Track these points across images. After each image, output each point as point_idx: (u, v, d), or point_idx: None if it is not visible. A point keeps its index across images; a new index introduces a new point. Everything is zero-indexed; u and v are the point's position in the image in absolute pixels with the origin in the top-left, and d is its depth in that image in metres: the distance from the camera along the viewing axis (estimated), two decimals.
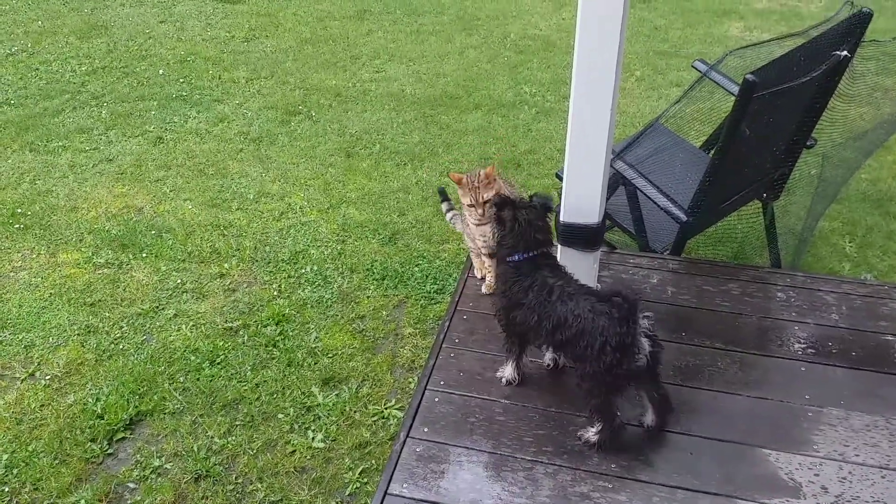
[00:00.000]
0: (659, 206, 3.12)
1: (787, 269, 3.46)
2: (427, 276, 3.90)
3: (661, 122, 3.90)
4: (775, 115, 3.04)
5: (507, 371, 2.53)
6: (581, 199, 2.64)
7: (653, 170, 3.28)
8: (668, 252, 3.24)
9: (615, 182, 3.28)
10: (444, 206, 3.22)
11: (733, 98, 2.78)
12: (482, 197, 2.73)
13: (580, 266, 2.60)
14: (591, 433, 2.26)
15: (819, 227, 4.06)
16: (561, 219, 2.70)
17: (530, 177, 4.79)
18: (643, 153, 3.48)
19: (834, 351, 2.64)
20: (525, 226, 2.36)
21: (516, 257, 2.36)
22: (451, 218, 3.16)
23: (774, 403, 2.43)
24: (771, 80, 2.72)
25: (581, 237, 2.66)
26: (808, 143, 3.36)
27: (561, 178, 2.75)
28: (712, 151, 3.52)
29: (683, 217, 3.05)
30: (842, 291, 2.93)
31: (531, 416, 2.40)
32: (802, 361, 2.59)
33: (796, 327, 2.75)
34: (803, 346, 2.66)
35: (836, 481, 2.17)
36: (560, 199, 2.71)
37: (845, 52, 2.97)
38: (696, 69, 3.77)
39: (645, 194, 3.16)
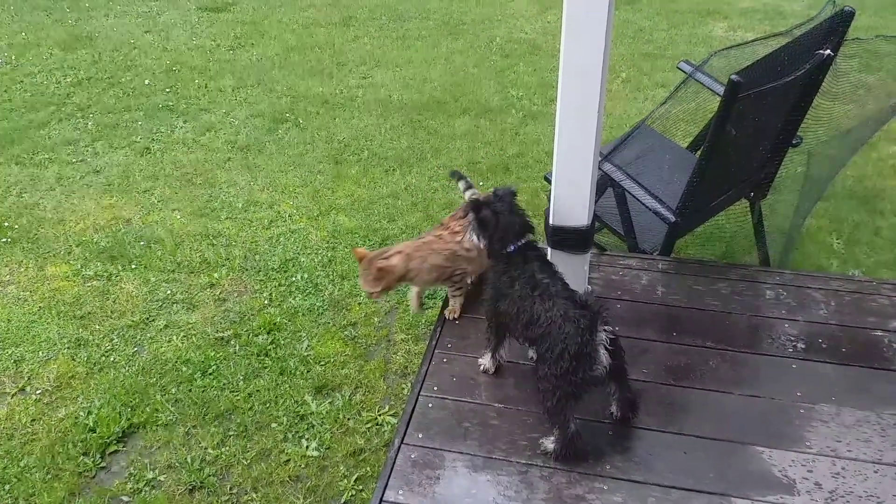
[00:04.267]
0: (647, 206, 3.13)
1: (775, 268, 3.48)
2: None
3: (647, 124, 3.92)
4: (761, 115, 3.06)
5: (486, 360, 2.58)
6: (570, 202, 2.65)
7: (640, 171, 3.30)
8: (657, 252, 3.25)
9: (603, 184, 3.29)
10: (461, 185, 3.19)
11: (719, 98, 2.80)
12: (370, 286, 2.68)
13: (571, 268, 2.61)
14: (550, 442, 2.27)
15: (806, 225, 4.09)
16: (550, 222, 2.71)
17: (519, 180, 4.80)
18: (630, 155, 3.49)
19: (824, 347, 2.66)
20: (507, 215, 2.41)
21: (512, 247, 2.38)
22: (471, 196, 3.12)
23: (766, 401, 2.44)
24: (756, 80, 2.74)
25: (571, 240, 2.67)
26: (793, 142, 3.39)
27: (549, 181, 2.76)
28: (699, 152, 3.55)
29: (672, 217, 3.07)
30: (830, 288, 2.95)
31: (524, 419, 2.40)
32: (793, 358, 2.61)
33: (786, 324, 2.77)
34: (793, 343, 2.68)
35: (830, 477, 2.18)
36: (549, 202, 2.72)
37: (829, 51, 3.00)
38: (682, 70, 3.79)
39: (633, 195, 3.18)
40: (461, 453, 2.30)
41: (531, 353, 2.59)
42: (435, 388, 2.56)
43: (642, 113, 5.33)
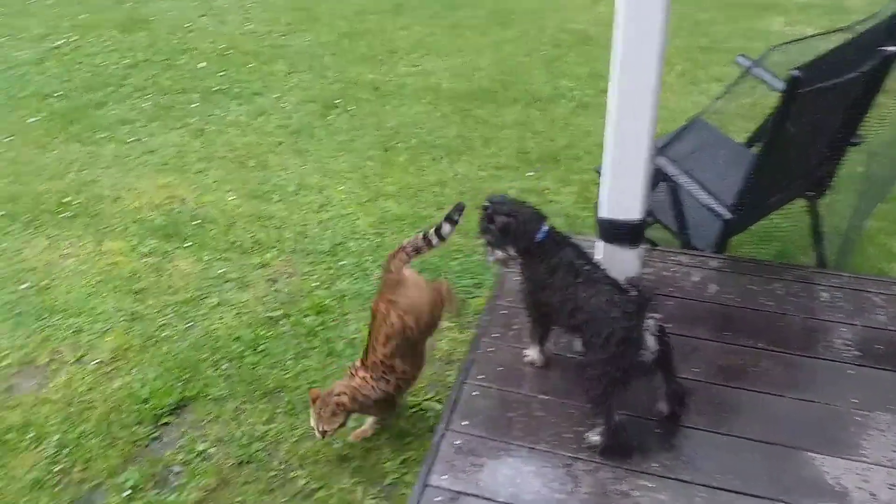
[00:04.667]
0: (701, 203, 3.09)
1: (832, 269, 3.40)
2: (464, 270, 3.91)
3: (703, 118, 3.86)
4: (820, 112, 2.99)
5: (533, 352, 2.58)
6: (622, 195, 2.63)
7: (695, 166, 3.25)
8: (710, 250, 3.21)
9: (656, 178, 3.25)
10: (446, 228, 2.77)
11: (777, 94, 2.75)
12: (322, 427, 2.67)
13: (622, 263, 2.60)
14: (595, 434, 2.26)
15: (866, 227, 3.98)
16: (600, 214, 2.70)
17: (569, 171, 4.77)
18: (685, 149, 3.45)
19: (882, 353, 2.59)
20: (520, 208, 2.40)
21: (541, 234, 2.37)
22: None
23: (820, 406, 2.39)
24: (816, 77, 2.67)
25: (622, 233, 2.65)
26: (854, 141, 3.30)
27: (600, 174, 2.74)
28: (755, 148, 3.48)
29: (726, 214, 3.02)
30: (891, 293, 2.88)
31: (570, 412, 2.40)
32: (849, 364, 2.55)
33: (842, 328, 2.71)
34: (850, 347, 2.62)
35: (886, 488, 2.13)
36: (598, 195, 2.71)
37: (893, 49, 2.91)
38: (739, 64, 3.72)
39: (687, 191, 3.14)
40: (506, 443, 2.32)
41: (577, 345, 2.59)
42: (480, 377, 2.57)
43: (697, 107, 5.23)
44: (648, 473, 2.19)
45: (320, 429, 2.66)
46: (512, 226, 2.37)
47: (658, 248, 3.28)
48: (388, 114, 5.61)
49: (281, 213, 4.45)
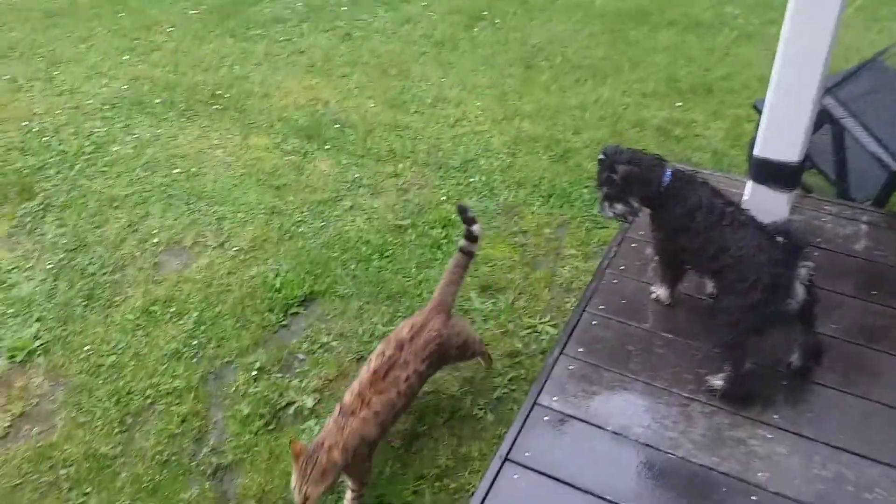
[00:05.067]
0: (868, 150, 2.83)
1: None
2: (596, 200, 3.81)
3: (882, 59, 3.49)
4: None
5: (661, 291, 2.50)
6: (781, 134, 2.46)
7: (866, 110, 2.98)
8: (869, 203, 2.95)
9: (820, 119, 3.00)
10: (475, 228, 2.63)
11: None
12: (305, 491, 2.13)
13: (771, 206, 2.45)
14: (718, 379, 2.17)
15: None
16: (755, 152, 2.53)
17: (722, 105, 4.48)
18: (857, 91, 3.15)
19: None
20: (638, 155, 2.26)
21: (666, 178, 2.24)
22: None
23: None
24: None
25: (776, 175, 2.48)
26: None
27: (759, 110, 2.56)
28: None
29: (894, 165, 2.76)
30: None
31: (693, 354, 2.33)
32: None
33: None
34: None
35: None
36: (756, 131, 2.53)
37: None
38: None
39: (853, 136, 2.87)
40: (621, 374, 2.29)
41: (708, 287, 2.49)
42: (601, 307, 2.54)
43: (876, 46, 4.72)
44: (768, 424, 2.11)
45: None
46: (635, 174, 2.23)
47: (811, 195, 3.05)
48: (535, 29, 5.44)
49: (417, 125, 4.48)
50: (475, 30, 5.49)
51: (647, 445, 2.07)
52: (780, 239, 2.02)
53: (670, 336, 2.41)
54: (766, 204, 2.37)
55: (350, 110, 4.63)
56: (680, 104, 4.52)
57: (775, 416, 2.13)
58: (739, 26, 5.33)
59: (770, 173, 2.48)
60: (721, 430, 2.10)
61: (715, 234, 2.15)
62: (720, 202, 2.20)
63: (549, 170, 4.06)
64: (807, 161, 2.68)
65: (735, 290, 2.09)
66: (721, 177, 3.23)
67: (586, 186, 3.90)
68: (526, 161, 4.13)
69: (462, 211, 2.60)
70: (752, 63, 4.85)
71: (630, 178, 2.24)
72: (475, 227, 2.58)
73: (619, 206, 2.30)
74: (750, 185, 2.55)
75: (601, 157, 2.31)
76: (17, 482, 2.57)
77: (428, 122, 4.51)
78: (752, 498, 1.93)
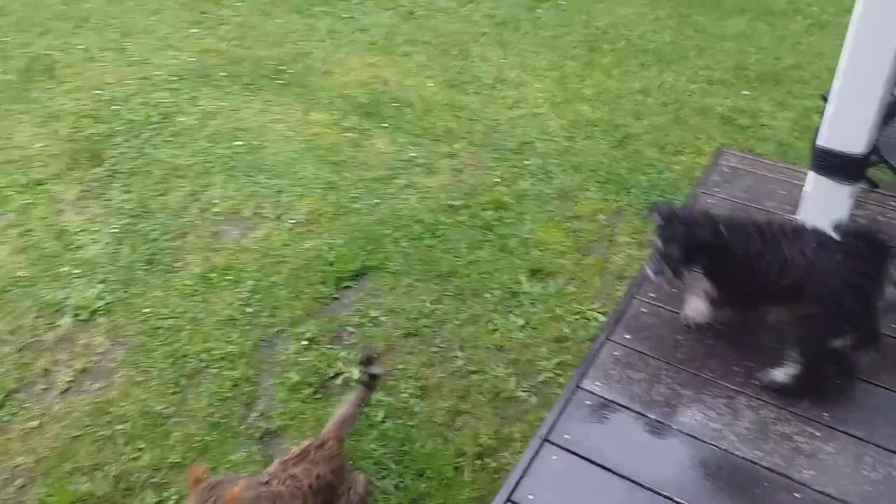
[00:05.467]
0: None
1: None
2: (654, 187, 3.76)
3: None
4: None
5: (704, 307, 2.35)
6: (847, 124, 2.37)
7: None
8: None
9: (890, 112, 2.88)
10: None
11: None
12: None
13: (832, 199, 2.37)
14: (781, 374, 2.12)
15: None
16: (818, 142, 2.45)
17: (790, 95, 4.35)
18: None
19: None
20: (696, 213, 2.22)
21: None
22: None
23: None
24: None
25: (839, 166, 2.40)
26: None
27: (827, 101, 2.47)
28: None
29: None
30: None
31: (745, 347, 2.29)
32: None
33: None
34: None
35: None
36: (820, 119, 2.45)
37: None
38: None
39: None
40: (667, 363, 2.27)
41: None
42: (652, 295, 2.51)
43: None
44: (817, 421, 2.06)
45: None
46: (678, 232, 2.15)
47: (877, 189, 2.94)
48: (600, 12, 5.35)
49: (474, 105, 4.47)
50: (539, 10, 5.43)
51: (690, 435, 2.05)
52: (858, 242, 1.96)
53: (722, 328, 2.36)
54: (826, 196, 2.29)
55: (409, 89, 4.66)
56: (747, 93, 4.40)
57: (825, 415, 2.08)
58: (813, 15, 5.14)
59: (833, 164, 2.39)
60: (767, 424, 2.07)
61: (777, 253, 2.07)
62: (762, 221, 2.13)
63: (606, 155, 4.01)
64: (873, 154, 2.58)
65: (819, 297, 2.01)
66: (783, 167, 3.15)
67: (645, 174, 3.84)
68: (584, 146, 4.09)
69: (367, 360, 2.24)
70: (824, 53, 4.68)
71: (692, 240, 2.15)
72: (374, 368, 2.24)
73: (669, 273, 2.21)
74: (811, 175, 2.47)
75: (659, 222, 2.22)
76: (77, 434, 2.70)
77: (486, 103, 4.50)
78: (796, 495, 1.90)
